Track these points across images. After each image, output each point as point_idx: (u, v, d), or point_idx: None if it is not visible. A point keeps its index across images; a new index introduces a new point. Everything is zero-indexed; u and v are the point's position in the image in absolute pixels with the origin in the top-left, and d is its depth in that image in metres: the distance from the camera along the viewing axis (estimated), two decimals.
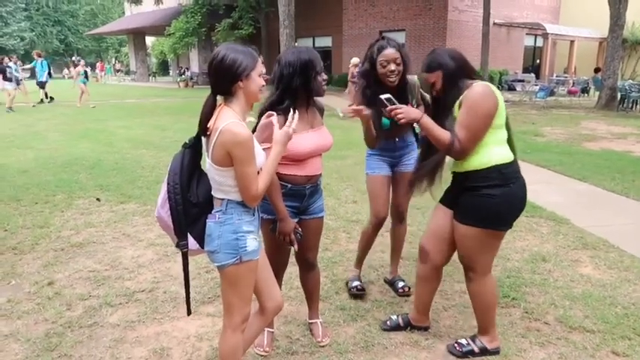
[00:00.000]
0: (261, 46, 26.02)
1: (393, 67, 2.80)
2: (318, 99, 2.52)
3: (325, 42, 25.64)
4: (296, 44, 17.13)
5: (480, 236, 2.38)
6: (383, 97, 2.46)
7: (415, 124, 2.57)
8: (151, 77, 38.35)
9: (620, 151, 8.45)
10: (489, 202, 2.31)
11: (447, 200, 2.56)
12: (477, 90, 2.28)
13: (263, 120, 2.19)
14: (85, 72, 17.49)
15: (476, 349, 2.56)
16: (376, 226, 3.20)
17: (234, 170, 1.86)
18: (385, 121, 2.91)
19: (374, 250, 3.98)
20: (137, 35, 35.75)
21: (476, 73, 2.43)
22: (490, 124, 2.28)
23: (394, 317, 2.89)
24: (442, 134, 2.32)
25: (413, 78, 2.98)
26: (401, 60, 2.82)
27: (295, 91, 2.32)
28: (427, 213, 4.93)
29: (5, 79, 15.16)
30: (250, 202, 1.92)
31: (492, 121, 2.28)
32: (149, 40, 39.58)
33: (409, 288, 3.26)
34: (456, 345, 2.62)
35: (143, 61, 37.60)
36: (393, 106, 2.42)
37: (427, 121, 2.37)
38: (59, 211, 4.97)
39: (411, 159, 3.13)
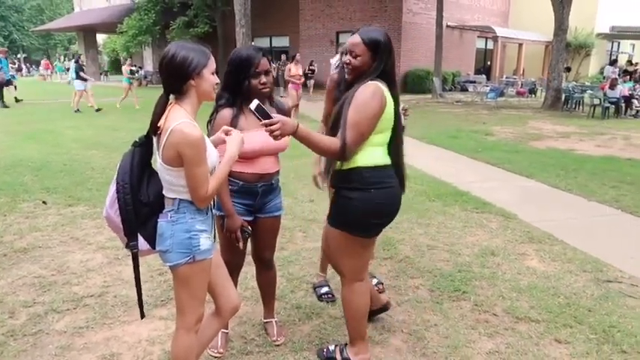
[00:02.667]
0: (218, 45, 25.65)
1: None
2: (281, 100, 2.51)
3: (282, 42, 25.56)
4: (252, 43, 16.99)
5: (339, 238, 2.29)
6: (252, 106, 1.98)
7: None
8: (102, 76, 37.09)
9: (564, 149, 8.87)
10: (347, 205, 2.22)
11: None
12: (369, 89, 2.14)
13: (220, 135, 2.14)
14: (131, 71, 16.40)
15: (338, 358, 2.47)
16: None
17: (184, 170, 1.83)
18: None
19: None
20: (87, 32, 34.46)
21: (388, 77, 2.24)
22: (375, 126, 2.14)
23: (332, 347, 2.59)
24: (327, 142, 2.11)
25: None
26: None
27: (232, 89, 2.33)
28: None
29: (80, 77, 14.15)
30: (199, 203, 1.89)
31: (377, 122, 2.14)
32: (100, 37, 38.26)
33: (382, 284, 3.29)
34: (324, 349, 2.56)
35: (94, 60, 36.27)
36: (267, 120, 1.97)
37: (304, 130, 2.05)
38: (1, 216, 4.73)
39: None
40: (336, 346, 2.55)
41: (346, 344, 2.52)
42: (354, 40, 2.20)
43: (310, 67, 20.03)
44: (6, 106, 14.96)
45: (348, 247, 2.29)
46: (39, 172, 6.50)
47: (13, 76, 15.95)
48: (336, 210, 2.30)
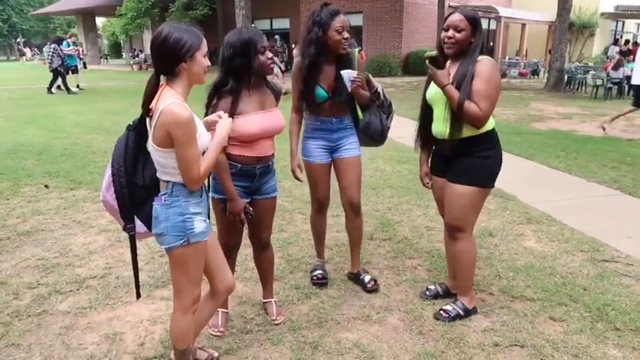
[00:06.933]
0: (217, 28, 25.42)
1: (346, 34, 2.74)
2: (276, 82, 2.51)
3: (283, 24, 25.32)
4: (253, 25, 16.85)
5: (474, 195, 2.59)
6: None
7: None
8: (102, 60, 36.95)
9: (566, 130, 8.85)
10: (484, 163, 2.58)
11: (437, 169, 2.81)
12: (490, 63, 2.45)
13: (214, 117, 2.14)
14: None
15: (461, 312, 2.75)
16: (318, 210, 3.15)
17: (175, 151, 1.85)
18: (321, 92, 2.82)
19: (328, 230, 4.04)
20: (86, 15, 34.25)
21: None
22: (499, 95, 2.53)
23: (432, 287, 3.05)
24: (474, 108, 2.42)
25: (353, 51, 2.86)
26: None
27: (237, 71, 2.31)
28: (381, 193, 5.04)
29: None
30: (191, 184, 1.90)
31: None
32: (99, 20, 37.99)
33: (375, 281, 3.11)
34: (442, 312, 2.77)
35: (94, 43, 36.14)
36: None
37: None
38: (4, 200, 4.78)
39: (351, 142, 2.97)
40: (451, 305, 2.78)
41: (455, 300, 2.81)
42: (456, 16, 2.47)
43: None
44: (72, 92, 14.69)
45: (480, 200, 2.65)
46: (40, 157, 6.53)
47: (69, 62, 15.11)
48: (474, 169, 2.57)
